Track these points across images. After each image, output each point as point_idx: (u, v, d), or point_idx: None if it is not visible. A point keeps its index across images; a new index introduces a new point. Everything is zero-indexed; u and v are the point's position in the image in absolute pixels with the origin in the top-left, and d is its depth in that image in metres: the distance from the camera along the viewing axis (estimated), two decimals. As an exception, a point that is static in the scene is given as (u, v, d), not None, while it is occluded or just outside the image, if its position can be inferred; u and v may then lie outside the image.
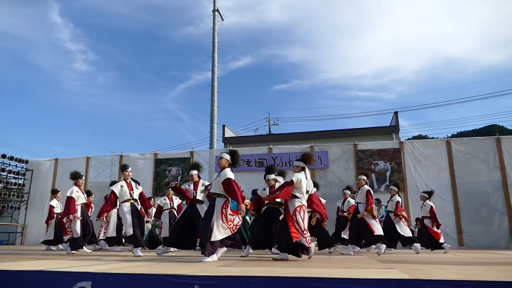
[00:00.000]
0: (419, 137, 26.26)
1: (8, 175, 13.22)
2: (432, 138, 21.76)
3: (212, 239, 4.52)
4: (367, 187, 6.72)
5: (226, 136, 18.10)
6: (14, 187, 13.42)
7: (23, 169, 13.75)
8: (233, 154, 4.99)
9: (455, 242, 10.27)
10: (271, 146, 12.40)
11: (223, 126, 18.38)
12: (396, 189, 7.82)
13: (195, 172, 6.17)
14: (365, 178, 6.87)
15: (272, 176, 6.07)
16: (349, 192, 8.35)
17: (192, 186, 5.98)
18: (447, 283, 2.32)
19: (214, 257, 4.56)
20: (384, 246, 6.53)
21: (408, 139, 16.08)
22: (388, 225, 7.50)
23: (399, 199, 7.61)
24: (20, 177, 13.59)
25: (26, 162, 13.87)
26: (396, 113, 16.93)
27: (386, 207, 8.08)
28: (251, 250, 6.12)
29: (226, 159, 4.92)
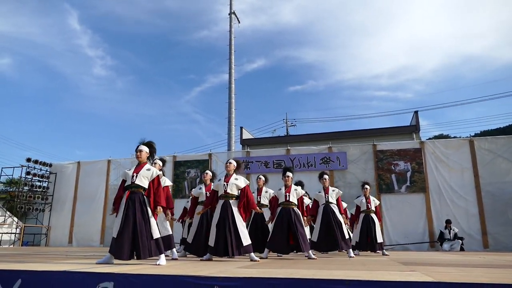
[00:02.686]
0: (440, 136, 25.70)
1: (33, 178, 13.65)
2: (454, 137, 21.23)
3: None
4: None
5: (243, 138, 18.16)
6: (38, 189, 13.84)
7: (47, 172, 14.16)
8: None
9: (479, 244, 9.99)
10: (289, 148, 12.38)
11: (241, 128, 18.44)
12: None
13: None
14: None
15: (291, 174, 6.06)
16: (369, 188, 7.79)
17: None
18: (472, 287, 2.26)
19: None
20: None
21: (429, 138, 15.74)
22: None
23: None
24: (44, 180, 14.01)
25: (50, 165, 14.28)
26: (416, 112, 16.61)
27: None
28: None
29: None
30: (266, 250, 5.80)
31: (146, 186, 4.32)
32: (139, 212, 4.12)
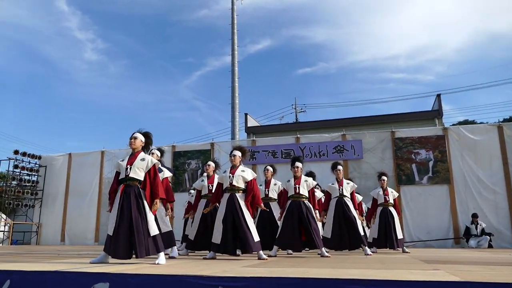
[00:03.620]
0: (465, 122, 25.39)
1: (22, 171, 13.77)
2: (481, 123, 20.98)
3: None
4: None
5: (249, 125, 18.14)
6: (27, 184, 13.98)
7: (36, 165, 14.28)
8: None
9: (510, 240, 9.94)
10: (298, 136, 12.33)
11: (246, 114, 18.41)
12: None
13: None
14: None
15: (301, 164, 6.05)
16: (387, 179, 7.56)
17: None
18: (503, 287, 2.23)
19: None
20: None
21: (453, 124, 15.59)
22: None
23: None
24: (33, 173, 14.13)
25: (39, 158, 14.39)
26: (438, 95, 16.44)
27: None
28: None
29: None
30: (275, 247, 5.82)
31: (142, 178, 4.32)
32: (135, 207, 4.12)
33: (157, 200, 4.28)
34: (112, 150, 13.72)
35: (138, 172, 4.29)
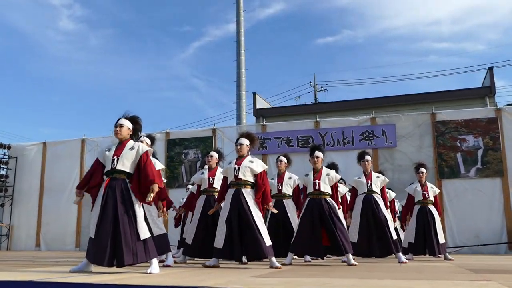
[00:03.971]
0: (524, 101, 25.10)
1: (-13, 164, 13.95)
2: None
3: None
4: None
5: (258, 107, 18.12)
6: (-5, 179, 14.15)
7: (5, 157, 14.45)
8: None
9: None
10: (318, 120, 12.29)
11: (254, 94, 18.40)
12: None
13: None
14: None
15: (321, 154, 6.03)
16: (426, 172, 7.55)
17: None
18: None
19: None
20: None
21: (508, 104, 15.40)
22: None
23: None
24: (2, 166, 14.30)
25: (9, 147, 14.54)
26: (490, 69, 16.25)
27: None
28: (295, 257, 6.16)
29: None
30: (290, 254, 5.84)
31: (130, 171, 4.34)
32: (121, 204, 4.14)
33: (154, 187, 4.18)
34: (95, 138, 13.82)
35: (126, 164, 4.30)
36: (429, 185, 7.54)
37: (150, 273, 3.99)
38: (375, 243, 6.36)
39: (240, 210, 5.07)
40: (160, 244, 5.22)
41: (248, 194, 5.17)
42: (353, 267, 5.33)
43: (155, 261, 4.20)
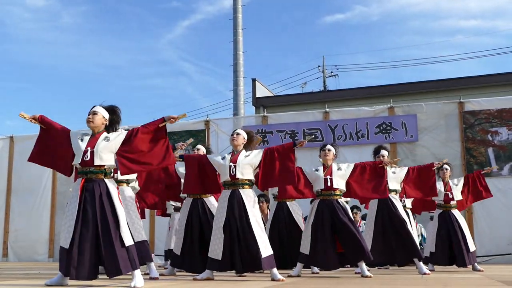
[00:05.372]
0: None
1: None
2: None
3: None
4: None
5: (257, 95, 18.09)
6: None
7: (-34, 153, 14.39)
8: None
9: None
10: (327, 110, 12.26)
11: (253, 80, 18.35)
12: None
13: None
14: None
15: (333, 148, 6.04)
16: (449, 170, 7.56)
17: None
18: None
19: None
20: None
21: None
22: None
23: None
24: (-37, 164, 14.27)
25: (-30, 143, 14.50)
26: (527, 51, 16.22)
27: None
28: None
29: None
30: (299, 265, 5.86)
31: (112, 162, 4.34)
32: (100, 208, 4.13)
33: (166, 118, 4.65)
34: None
35: (103, 157, 4.28)
36: (451, 182, 7.46)
37: (134, 287, 3.99)
38: (392, 249, 6.37)
39: (238, 215, 5.07)
40: (139, 253, 5.22)
41: (246, 195, 5.17)
42: (368, 279, 5.34)
43: (138, 272, 4.18)
